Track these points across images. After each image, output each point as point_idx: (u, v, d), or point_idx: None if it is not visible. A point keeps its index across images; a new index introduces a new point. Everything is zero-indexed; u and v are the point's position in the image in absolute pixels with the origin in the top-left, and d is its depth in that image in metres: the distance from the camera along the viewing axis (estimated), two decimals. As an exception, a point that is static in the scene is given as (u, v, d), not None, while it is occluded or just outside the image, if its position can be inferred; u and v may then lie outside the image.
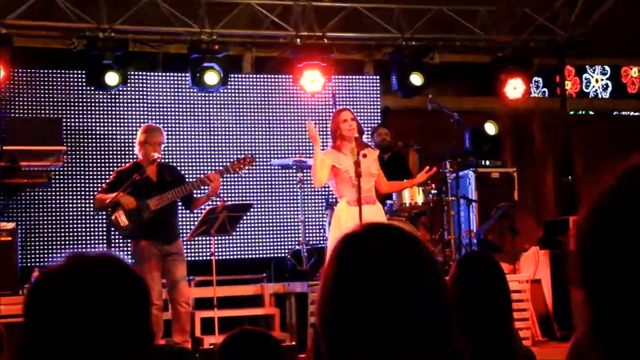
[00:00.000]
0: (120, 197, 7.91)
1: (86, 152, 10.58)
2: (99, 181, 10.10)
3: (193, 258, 10.44)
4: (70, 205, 10.40)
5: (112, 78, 10.28)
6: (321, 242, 10.37)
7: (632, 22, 11.71)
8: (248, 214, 9.74)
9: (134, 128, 8.49)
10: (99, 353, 1.57)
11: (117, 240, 9.34)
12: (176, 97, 11.05)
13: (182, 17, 10.72)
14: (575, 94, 13.84)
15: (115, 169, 8.90)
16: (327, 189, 9.82)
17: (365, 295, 1.57)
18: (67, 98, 10.57)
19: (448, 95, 12.57)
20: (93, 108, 10.68)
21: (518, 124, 13.21)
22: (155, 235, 7.99)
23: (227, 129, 11.21)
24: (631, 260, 1.23)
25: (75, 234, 10.39)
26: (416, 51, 11.53)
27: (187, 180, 8.43)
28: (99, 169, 10.54)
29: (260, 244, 11.18)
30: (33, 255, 10.14)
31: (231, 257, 10.96)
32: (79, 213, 10.39)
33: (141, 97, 10.90)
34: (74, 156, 10.38)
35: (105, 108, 10.72)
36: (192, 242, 10.35)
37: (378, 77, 12.07)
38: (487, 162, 11.40)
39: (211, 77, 10.66)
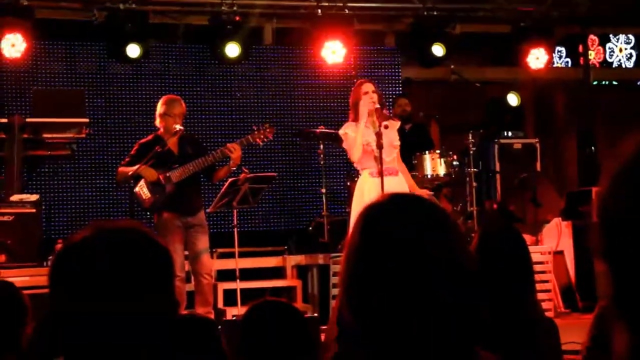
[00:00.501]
0: (142, 170, 7.92)
1: (108, 124, 10.61)
2: (121, 153, 10.12)
3: (215, 230, 10.48)
4: (93, 177, 10.45)
5: (133, 50, 10.29)
6: (343, 213, 10.36)
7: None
8: (270, 185, 9.76)
9: (155, 100, 8.48)
10: (123, 321, 1.58)
11: (139, 212, 9.38)
12: (197, 69, 11.05)
13: (203, -11, 10.70)
14: (599, 64, 13.71)
15: (137, 141, 8.92)
16: (348, 161, 9.83)
17: (389, 264, 1.57)
18: (88, 70, 10.59)
19: (470, 66, 12.48)
20: (114, 80, 10.70)
21: (540, 94, 13.12)
22: (177, 207, 8.00)
23: (247, 100, 11.21)
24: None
25: (98, 205, 10.45)
26: (437, 21, 11.44)
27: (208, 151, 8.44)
28: (120, 140, 10.58)
29: (282, 216, 11.21)
30: (57, 227, 10.21)
31: (253, 228, 10.99)
32: (102, 185, 10.44)
33: (162, 69, 10.91)
34: (95, 128, 10.42)
35: (126, 80, 10.74)
36: (215, 214, 10.38)
37: (399, 48, 12.00)
38: (509, 133, 11.33)
39: (232, 49, 10.64)
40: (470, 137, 10.00)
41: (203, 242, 8.12)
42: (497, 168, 10.79)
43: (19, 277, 7.64)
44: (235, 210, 8.70)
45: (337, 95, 11.44)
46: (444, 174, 9.62)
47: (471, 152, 10.00)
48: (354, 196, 8.03)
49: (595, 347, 2.53)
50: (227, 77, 11.15)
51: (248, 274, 9.51)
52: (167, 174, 7.97)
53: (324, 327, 7.18)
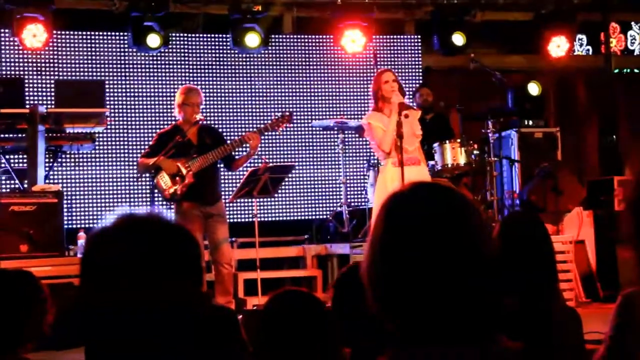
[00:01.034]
0: (161, 162, 7.94)
1: (128, 114, 10.64)
2: (142, 143, 10.17)
3: (236, 220, 10.51)
4: (114, 167, 10.49)
5: (153, 40, 10.32)
6: (363, 203, 10.36)
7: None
8: (290, 175, 9.75)
9: (175, 89, 8.50)
10: (150, 312, 1.58)
11: (160, 202, 9.40)
12: (217, 58, 11.06)
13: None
14: (620, 52, 13.61)
15: (157, 131, 8.94)
16: (368, 151, 9.81)
17: (413, 253, 1.57)
18: (108, 60, 10.62)
19: (490, 54, 12.42)
20: (134, 70, 10.73)
21: (561, 82, 13.04)
22: (197, 196, 8.01)
23: (267, 90, 11.21)
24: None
25: (119, 195, 10.49)
26: (457, 9, 11.41)
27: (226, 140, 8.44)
28: (141, 131, 10.61)
29: (302, 206, 11.21)
30: (78, 217, 10.26)
31: (273, 218, 11.00)
32: (123, 175, 10.48)
33: (182, 58, 10.92)
34: (116, 118, 10.46)
35: (147, 70, 10.76)
36: (235, 204, 10.41)
37: (419, 36, 11.96)
38: (530, 122, 11.27)
39: (252, 38, 10.65)
40: (491, 126, 9.96)
41: (223, 231, 8.13)
42: (518, 157, 10.74)
43: (41, 267, 7.69)
44: (255, 200, 8.71)
45: (357, 84, 11.43)
46: (465, 163, 9.59)
47: (491, 141, 9.97)
48: (376, 186, 8.04)
49: (619, 336, 2.51)
50: (247, 66, 11.16)
51: (268, 264, 9.52)
52: (187, 164, 7.99)
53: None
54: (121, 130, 10.57)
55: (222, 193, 8.50)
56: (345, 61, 11.40)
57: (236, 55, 11.06)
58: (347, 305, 3.05)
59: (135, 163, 8.85)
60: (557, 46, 11.77)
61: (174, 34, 10.83)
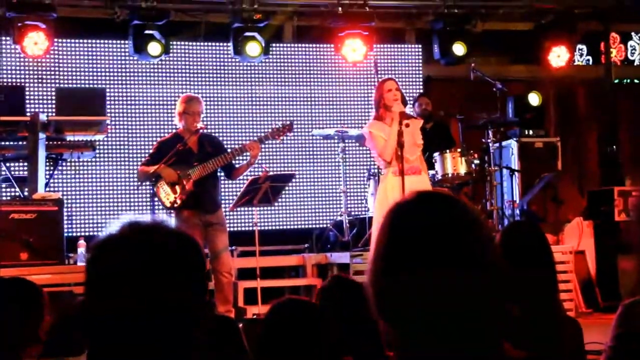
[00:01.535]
0: (161, 170, 7.95)
1: (129, 123, 10.65)
2: (142, 151, 10.17)
3: (236, 228, 10.51)
4: (114, 175, 10.49)
5: (154, 48, 10.32)
6: (363, 212, 10.36)
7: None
8: (290, 184, 9.75)
9: (176, 98, 8.51)
10: (153, 320, 1.58)
11: (160, 210, 9.40)
12: (218, 67, 11.07)
13: (224, -13, 10.71)
14: (620, 62, 13.63)
15: (157, 139, 8.95)
16: (369, 160, 9.81)
17: (418, 261, 1.57)
18: (109, 68, 10.63)
19: (491, 64, 12.43)
20: (135, 78, 10.73)
21: (562, 92, 13.06)
22: (197, 205, 8.02)
23: (268, 98, 11.21)
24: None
25: (120, 203, 10.48)
26: (458, 19, 11.41)
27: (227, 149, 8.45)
28: (142, 139, 10.61)
29: (303, 215, 11.21)
30: (79, 225, 10.25)
31: (273, 227, 11.00)
32: (123, 183, 10.48)
33: (183, 67, 10.93)
34: (117, 126, 10.46)
35: (148, 78, 10.77)
36: (235, 213, 10.41)
37: (420, 45, 11.98)
38: (531, 132, 11.28)
39: (252, 47, 10.66)
40: (491, 136, 9.97)
41: (223, 240, 8.13)
42: (518, 167, 10.74)
43: (41, 275, 7.69)
44: (255, 209, 8.71)
45: (358, 93, 11.44)
46: (465, 173, 9.59)
47: (492, 150, 9.97)
48: (376, 195, 8.04)
49: (620, 346, 2.51)
50: (247, 75, 11.17)
51: (268, 273, 9.52)
52: (187, 172, 7.99)
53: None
54: (122, 139, 10.57)
55: (223, 202, 8.50)
56: (346, 70, 11.41)
57: (237, 64, 11.08)
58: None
59: (135, 171, 8.85)
60: (558, 56, 11.78)
61: (174, 42, 10.84)
